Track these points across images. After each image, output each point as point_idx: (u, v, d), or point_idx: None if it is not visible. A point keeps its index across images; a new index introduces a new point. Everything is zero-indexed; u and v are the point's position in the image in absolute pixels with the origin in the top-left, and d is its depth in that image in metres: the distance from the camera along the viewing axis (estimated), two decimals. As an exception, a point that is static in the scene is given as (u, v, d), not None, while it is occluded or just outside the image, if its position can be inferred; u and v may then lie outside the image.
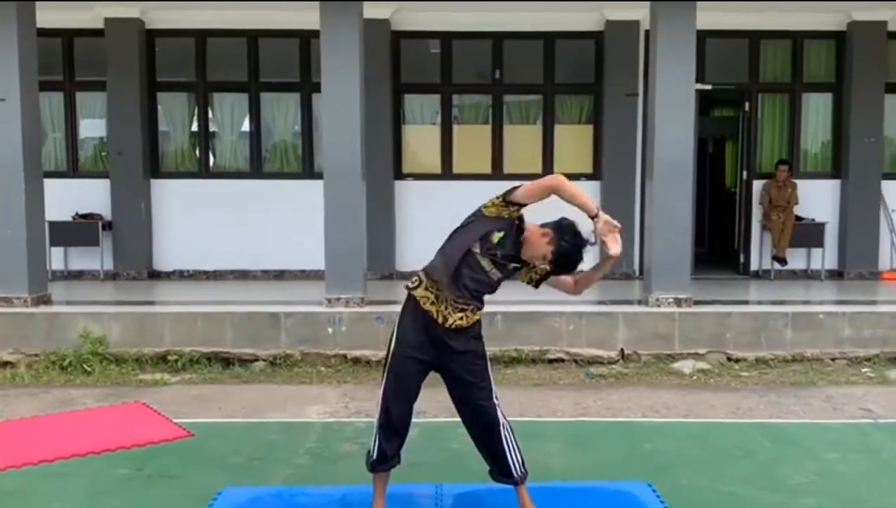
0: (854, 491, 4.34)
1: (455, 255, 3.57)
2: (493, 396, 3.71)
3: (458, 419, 3.81)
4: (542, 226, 3.63)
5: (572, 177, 11.33)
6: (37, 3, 8.04)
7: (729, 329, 7.57)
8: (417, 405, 3.71)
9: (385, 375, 3.69)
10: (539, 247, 3.58)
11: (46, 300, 8.08)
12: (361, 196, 7.98)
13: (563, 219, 3.60)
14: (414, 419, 3.73)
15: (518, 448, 3.75)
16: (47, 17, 8.84)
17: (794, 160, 10.54)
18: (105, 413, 5.91)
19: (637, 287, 9.31)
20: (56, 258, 10.19)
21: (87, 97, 10.63)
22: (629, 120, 10.27)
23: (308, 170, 10.51)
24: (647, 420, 5.82)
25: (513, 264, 3.66)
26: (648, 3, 8.11)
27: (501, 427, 3.70)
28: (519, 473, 3.72)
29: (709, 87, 10.18)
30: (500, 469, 3.74)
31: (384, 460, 3.72)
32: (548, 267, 3.65)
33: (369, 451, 3.78)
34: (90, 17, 10.05)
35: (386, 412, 3.65)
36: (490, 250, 3.57)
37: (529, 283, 3.81)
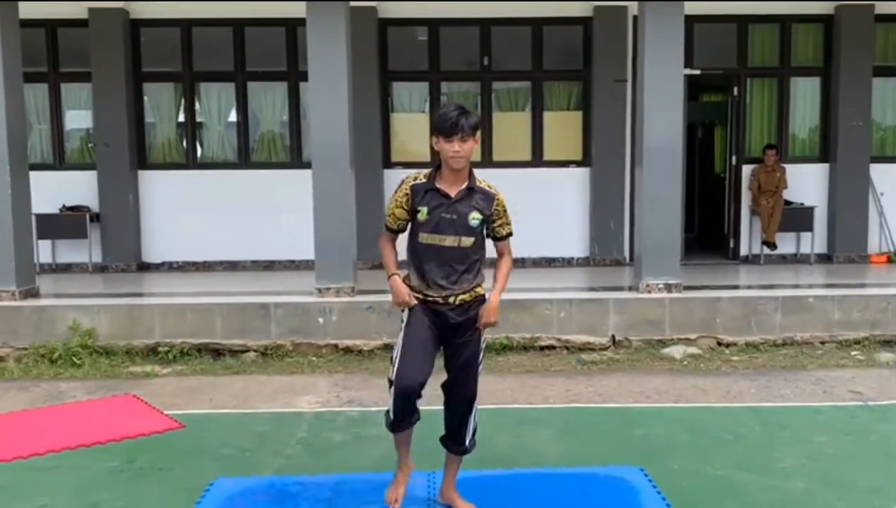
0: (844, 474, 4.37)
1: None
2: (480, 369, 3.83)
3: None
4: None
5: (562, 164, 11.32)
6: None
7: (719, 314, 7.58)
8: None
9: (402, 334, 3.74)
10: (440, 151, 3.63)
11: (34, 294, 8.03)
12: (350, 185, 7.94)
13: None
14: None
15: (476, 422, 3.87)
16: (30, 8, 8.74)
17: (782, 145, 10.56)
18: (95, 406, 5.88)
19: (627, 273, 9.32)
20: (44, 251, 10.11)
21: (73, 88, 10.54)
22: (618, 106, 10.25)
23: (296, 160, 10.47)
24: (639, 406, 5.83)
25: (449, 211, 3.64)
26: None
27: (475, 400, 3.82)
28: (470, 442, 3.85)
29: (697, 72, 10.18)
30: (456, 437, 3.84)
31: (400, 419, 3.74)
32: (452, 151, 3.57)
33: (388, 411, 3.78)
34: (74, 8, 9.96)
35: (398, 370, 3.67)
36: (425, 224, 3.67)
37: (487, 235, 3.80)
